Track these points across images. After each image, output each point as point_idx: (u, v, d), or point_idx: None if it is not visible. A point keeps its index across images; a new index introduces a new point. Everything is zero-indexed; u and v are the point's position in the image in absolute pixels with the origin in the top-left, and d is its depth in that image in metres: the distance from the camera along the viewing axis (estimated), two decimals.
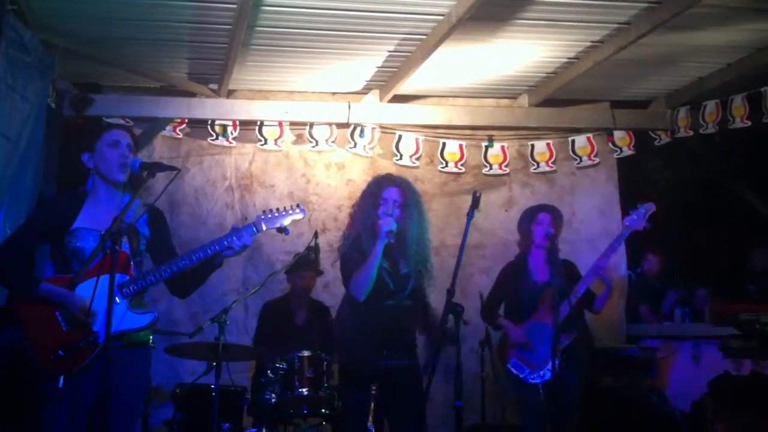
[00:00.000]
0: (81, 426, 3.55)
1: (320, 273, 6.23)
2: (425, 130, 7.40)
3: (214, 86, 6.92)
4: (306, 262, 5.80)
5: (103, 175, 3.81)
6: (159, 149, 7.06)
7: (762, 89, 6.46)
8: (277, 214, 4.02)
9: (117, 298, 3.60)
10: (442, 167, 7.39)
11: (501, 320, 5.68)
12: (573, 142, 7.51)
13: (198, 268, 3.85)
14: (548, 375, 5.38)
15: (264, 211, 4.02)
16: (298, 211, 4.09)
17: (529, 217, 5.73)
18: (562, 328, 5.23)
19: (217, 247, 3.80)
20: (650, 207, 5.52)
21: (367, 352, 4.57)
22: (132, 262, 3.73)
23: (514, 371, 5.51)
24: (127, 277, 3.68)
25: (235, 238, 3.81)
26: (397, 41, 6.02)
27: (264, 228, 3.95)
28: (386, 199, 4.65)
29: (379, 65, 6.55)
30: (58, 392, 3.52)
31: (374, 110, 7.18)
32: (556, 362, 5.18)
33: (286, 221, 4.03)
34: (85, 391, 3.56)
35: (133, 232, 3.78)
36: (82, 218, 3.74)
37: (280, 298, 6.44)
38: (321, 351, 5.44)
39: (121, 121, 6.86)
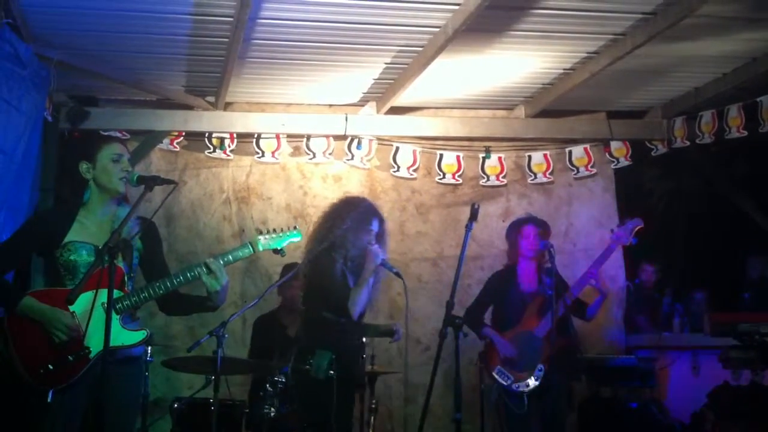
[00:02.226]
0: None
1: None
2: (422, 141, 7.40)
3: (211, 99, 6.92)
4: (294, 273, 5.78)
5: (104, 186, 3.77)
6: (156, 162, 7.05)
7: (758, 99, 6.47)
8: (274, 236, 4.00)
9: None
10: (440, 179, 7.38)
11: (487, 331, 5.74)
12: (570, 152, 7.51)
13: (188, 300, 3.90)
14: (534, 384, 5.42)
15: (261, 232, 4.00)
16: (295, 233, 4.08)
17: (515, 230, 5.82)
18: (549, 336, 5.34)
19: (196, 272, 3.75)
20: (638, 222, 5.61)
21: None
22: (126, 278, 3.72)
23: (500, 380, 5.57)
24: (121, 294, 3.66)
25: (211, 265, 3.75)
26: (393, 53, 6.02)
27: (261, 249, 3.94)
28: (373, 230, 5.00)
29: (376, 77, 6.55)
30: (47, 407, 3.49)
31: (371, 122, 7.18)
32: (545, 368, 5.25)
33: (283, 243, 4.02)
34: (77, 407, 3.53)
35: (128, 247, 3.75)
36: (74, 231, 3.71)
37: (271, 312, 6.42)
38: None
39: (118, 134, 6.86)
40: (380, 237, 5.06)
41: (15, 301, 3.58)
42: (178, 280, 3.72)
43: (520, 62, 6.28)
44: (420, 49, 5.89)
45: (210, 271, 3.72)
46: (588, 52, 6.09)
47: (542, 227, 5.81)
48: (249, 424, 5.58)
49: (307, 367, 4.84)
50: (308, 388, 4.93)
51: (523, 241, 5.72)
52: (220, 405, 5.02)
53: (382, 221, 5.12)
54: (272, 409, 5.24)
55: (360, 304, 4.90)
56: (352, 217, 4.99)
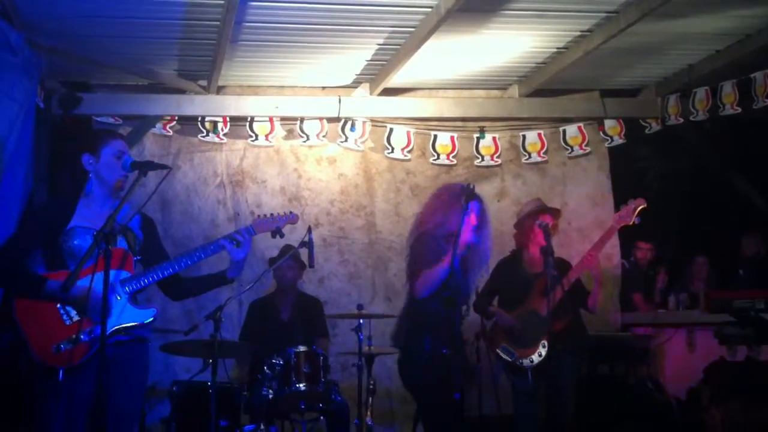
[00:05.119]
0: (80, 425, 3.55)
1: (312, 267, 6.20)
2: (416, 122, 7.39)
3: (204, 83, 6.89)
4: (291, 254, 5.78)
5: (105, 180, 3.81)
6: (149, 147, 7.02)
7: (751, 75, 6.46)
8: (271, 219, 4.05)
9: (119, 295, 3.64)
10: (434, 160, 7.38)
11: (491, 309, 5.75)
12: (564, 132, 7.50)
13: (203, 280, 4.02)
14: (537, 359, 5.47)
15: (259, 216, 4.08)
16: (291, 217, 4.15)
17: (532, 218, 5.76)
18: (554, 314, 5.31)
19: (221, 244, 3.84)
20: (640, 202, 5.59)
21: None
22: (133, 259, 3.74)
23: (504, 355, 5.62)
24: (129, 274, 3.69)
25: (238, 237, 3.86)
26: (386, 34, 6.00)
27: (259, 232, 4.01)
28: (470, 212, 4.64)
29: (369, 59, 6.53)
30: (57, 388, 3.51)
31: (365, 104, 7.16)
32: (549, 344, 5.28)
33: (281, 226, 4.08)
34: (85, 389, 3.55)
35: (129, 232, 3.78)
36: (76, 218, 3.75)
37: (266, 296, 6.41)
38: (308, 344, 5.47)
39: (111, 120, 6.84)
40: (479, 223, 4.71)
41: (40, 286, 3.59)
42: (185, 261, 3.78)
43: (514, 42, 6.27)
44: (413, 29, 5.87)
45: (237, 242, 3.85)
46: (581, 31, 6.07)
47: (556, 216, 5.85)
48: (248, 407, 5.62)
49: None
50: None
51: (540, 231, 5.62)
52: (218, 388, 5.06)
53: (482, 204, 4.77)
54: (270, 391, 5.26)
55: (428, 285, 4.60)
56: (444, 199, 4.73)
